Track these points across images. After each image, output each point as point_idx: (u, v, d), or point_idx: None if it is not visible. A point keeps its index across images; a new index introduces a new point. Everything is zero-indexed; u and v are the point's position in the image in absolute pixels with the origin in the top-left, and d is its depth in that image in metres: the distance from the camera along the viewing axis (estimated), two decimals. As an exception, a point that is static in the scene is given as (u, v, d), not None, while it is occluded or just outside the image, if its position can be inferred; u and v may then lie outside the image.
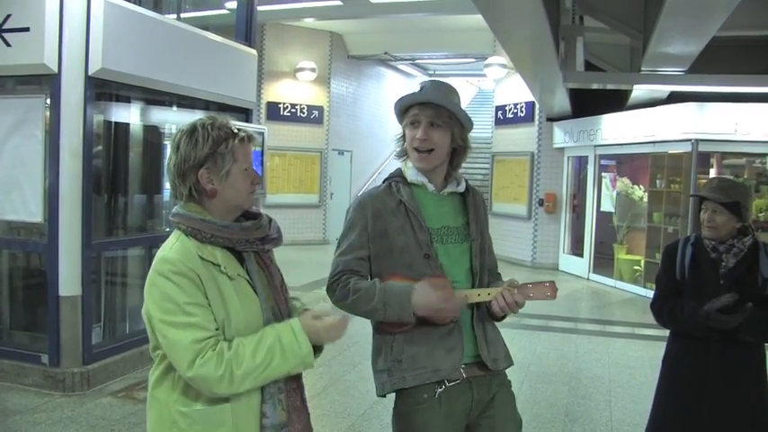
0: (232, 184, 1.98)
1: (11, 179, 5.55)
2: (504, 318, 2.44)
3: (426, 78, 19.78)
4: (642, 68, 7.89)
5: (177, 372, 1.91)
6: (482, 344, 2.43)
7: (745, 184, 9.92)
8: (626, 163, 12.33)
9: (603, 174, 12.32)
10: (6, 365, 5.56)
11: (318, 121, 16.18)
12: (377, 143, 18.25)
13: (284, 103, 15.71)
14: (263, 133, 6.85)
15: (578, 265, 12.69)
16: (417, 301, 2.29)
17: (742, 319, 2.97)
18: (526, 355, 6.93)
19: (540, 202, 13.46)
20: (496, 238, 14.87)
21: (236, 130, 2.00)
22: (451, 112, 2.44)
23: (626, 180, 11.83)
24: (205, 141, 1.94)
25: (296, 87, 15.89)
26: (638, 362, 6.92)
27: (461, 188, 2.55)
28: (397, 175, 2.54)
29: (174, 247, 1.95)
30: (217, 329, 1.90)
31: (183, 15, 7.56)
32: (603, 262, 12.28)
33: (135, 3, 6.13)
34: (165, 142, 7.26)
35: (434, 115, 2.42)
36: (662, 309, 3.32)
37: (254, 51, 7.73)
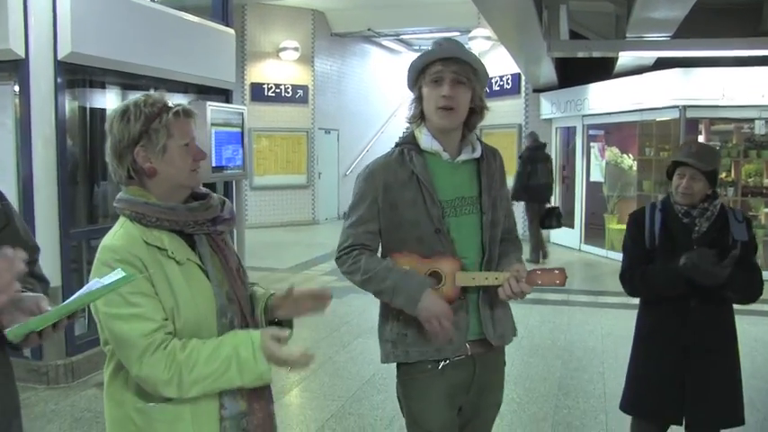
0: (170, 161, 1.88)
1: (-18, 167, 5.42)
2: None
3: (405, 51, 19.47)
4: (627, 35, 7.77)
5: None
6: (487, 323, 2.40)
7: (734, 149, 9.92)
8: (614, 132, 12.24)
9: (592, 144, 12.24)
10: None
11: (303, 100, 16.02)
12: (363, 121, 18.09)
13: (268, 84, 15.54)
14: (242, 114, 6.68)
15: (570, 237, 12.62)
16: (426, 302, 2.27)
17: (730, 268, 2.87)
18: (519, 329, 6.80)
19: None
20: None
21: (170, 105, 1.90)
22: (475, 69, 2.34)
23: (615, 149, 11.75)
24: (137, 118, 1.86)
25: (279, 67, 15.70)
26: (630, 332, 6.58)
27: (477, 154, 2.42)
28: (410, 142, 2.43)
29: (117, 233, 1.87)
30: (165, 320, 1.80)
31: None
32: (595, 232, 12.23)
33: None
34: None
35: (460, 71, 2.29)
36: (632, 276, 3.21)
37: (231, 31, 7.57)
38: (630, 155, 11.45)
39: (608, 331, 6.94)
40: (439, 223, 2.32)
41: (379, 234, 2.42)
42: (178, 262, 1.85)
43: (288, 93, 15.78)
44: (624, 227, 10.64)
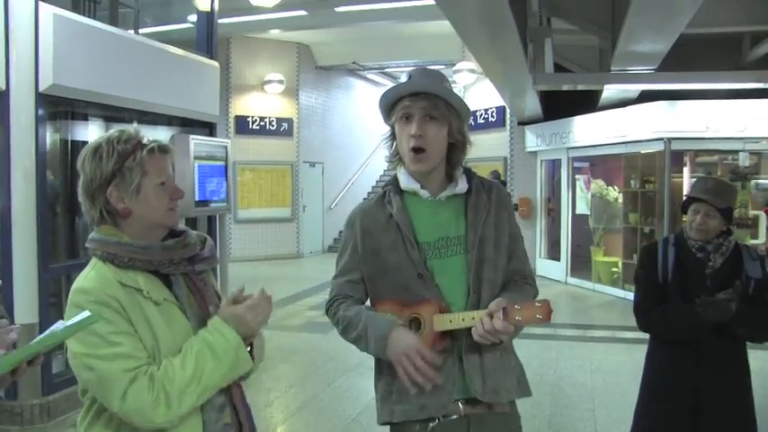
0: (145, 201, 1.80)
1: (-39, 204, 5.29)
2: (498, 344, 2.04)
3: (389, 83, 19.62)
4: (612, 68, 7.79)
5: (109, 411, 1.71)
6: (474, 376, 2.08)
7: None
8: (599, 164, 12.25)
9: (577, 176, 12.25)
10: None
11: (288, 133, 15.99)
12: (348, 154, 18.06)
13: (253, 117, 15.52)
14: (225, 147, 6.61)
15: (556, 270, 12.58)
16: (392, 343, 2.01)
17: (736, 302, 2.84)
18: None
19: (515, 207, 13.28)
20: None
21: (144, 142, 1.82)
22: (448, 103, 2.12)
23: (600, 182, 11.77)
24: (110, 157, 1.78)
25: (264, 100, 15.70)
26: (620, 366, 6.77)
27: (461, 189, 2.20)
28: (392, 183, 2.26)
29: (88, 275, 1.77)
30: (149, 357, 1.71)
31: (146, 30, 7.37)
32: (581, 265, 12.18)
33: (89, 17, 5.92)
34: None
35: (430, 106, 2.09)
36: (650, 314, 3.14)
37: (216, 64, 7.52)
38: (616, 187, 11.47)
39: (597, 366, 6.84)
40: (420, 267, 2.11)
41: (363, 282, 2.24)
42: (155, 302, 1.76)
43: (272, 126, 15.75)
44: (611, 259, 10.66)
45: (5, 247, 5.11)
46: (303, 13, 12.29)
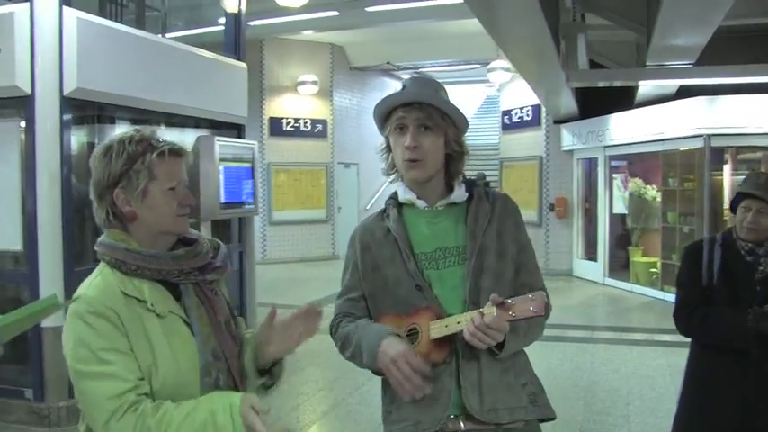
0: (151, 206, 1.73)
1: (-11, 207, 5.34)
2: (499, 351, 1.91)
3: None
4: (647, 63, 7.57)
5: None
6: (470, 392, 1.94)
7: None
8: (637, 163, 11.97)
9: (614, 175, 11.99)
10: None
11: (322, 134, 15.96)
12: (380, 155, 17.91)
13: (287, 118, 15.51)
14: (252, 148, 6.56)
15: (593, 270, 12.33)
16: (381, 351, 1.92)
17: None
18: (539, 369, 6.45)
19: (551, 207, 13.13)
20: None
21: (156, 144, 1.73)
22: (443, 112, 2.04)
23: (638, 180, 11.48)
24: (119, 157, 1.71)
25: (298, 101, 15.68)
26: (657, 371, 6.55)
27: (459, 197, 2.11)
28: (392, 197, 2.18)
29: (93, 282, 1.70)
30: (141, 379, 1.63)
31: (177, 34, 7.40)
32: (619, 265, 11.93)
33: (116, 21, 5.93)
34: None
35: (424, 117, 2.02)
36: (692, 317, 2.94)
37: (243, 65, 7.50)
38: (654, 186, 11.17)
39: (633, 370, 6.63)
40: (418, 279, 2.01)
41: (364, 300, 2.15)
42: (159, 315, 1.69)
43: (307, 127, 15.74)
44: (649, 259, 10.40)
45: (32, 250, 5.14)
46: (335, 13, 12.25)
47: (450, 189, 2.13)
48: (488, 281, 2.01)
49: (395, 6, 11.86)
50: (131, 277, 1.69)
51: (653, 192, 11.18)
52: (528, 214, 13.62)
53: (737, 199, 2.91)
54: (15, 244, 5.24)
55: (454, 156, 2.11)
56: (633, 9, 7.25)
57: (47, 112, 5.12)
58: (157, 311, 1.68)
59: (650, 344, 7.71)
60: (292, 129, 15.59)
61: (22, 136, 5.24)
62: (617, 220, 11.98)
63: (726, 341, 2.82)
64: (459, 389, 1.95)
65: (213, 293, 1.83)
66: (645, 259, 11.24)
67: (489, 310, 1.82)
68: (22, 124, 5.24)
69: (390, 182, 2.21)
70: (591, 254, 12.67)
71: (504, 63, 13.39)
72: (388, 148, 2.13)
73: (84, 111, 5.74)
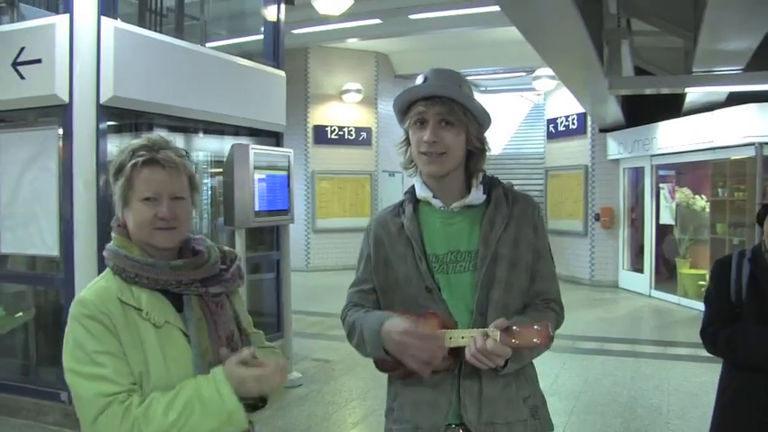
0: (130, 215, 1.74)
1: (29, 213, 5.46)
2: (501, 369, 1.86)
3: (480, 96, 19.47)
4: (694, 69, 7.35)
5: None
6: (469, 405, 1.93)
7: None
8: (685, 172, 11.64)
9: (661, 184, 11.69)
10: (27, 403, 5.39)
11: (367, 142, 15.97)
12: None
13: (331, 126, 15.56)
14: (288, 156, 6.54)
15: (639, 282, 12.04)
16: (385, 335, 1.88)
17: None
18: (577, 383, 6.44)
19: (597, 217, 12.88)
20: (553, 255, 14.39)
21: (140, 153, 1.72)
22: (465, 107, 1.98)
23: (686, 190, 11.16)
24: (114, 166, 1.75)
25: (342, 110, 15.73)
26: (701, 388, 6.29)
27: (476, 199, 2.04)
28: (409, 191, 2.13)
29: (94, 286, 1.72)
30: (134, 384, 1.62)
31: (221, 43, 7.46)
32: (666, 277, 11.60)
33: (155, 30, 6.00)
34: (194, 170, 7.10)
35: (445, 112, 1.95)
36: (716, 336, 2.83)
37: (282, 73, 7.51)
38: (703, 196, 10.85)
39: (676, 387, 6.40)
40: (428, 281, 1.97)
41: (375, 293, 2.12)
42: (155, 324, 1.68)
43: (351, 135, 15.77)
44: (698, 271, 10.08)
45: (68, 255, 5.22)
46: (377, 21, 12.25)
47: (468, 188, 2.07)
48: (498, 293, 1.96)
49: (438, 14, 11.79)
50: (131, 285, 1.70)
51: (701, 202, 10.86)
52: (573, 224, 13.42)
53: (764, 212, 2.77)
54: (53, 249, 5.32)
55: (475, 152, 2.05)
56: (679, 13, 7.05)
57: (84, 120, 5.21)
58: (153, 321, 1.68)
59: (695, 359, 7.44)
60: (336, 137, 15.64)
61: (61, 143, 5.31)
62: (664, 231, 11.66)
63: (751, 360, 2.69)
64: (459, 399, 1.94)
65: (218, 307, 1.80)
66: (693, 271, 10.90)
67: (494, 333, 1.80)
68: (61, 132, 5.32)
69: (408, 176, 2.14)
70: (637, 265, 12.38)
71: (550, 70, 13.20)
72: (407, 142, 2.07)
73: (123, 118, 5.83)
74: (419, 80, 2.03)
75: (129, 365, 1.63)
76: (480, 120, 2.03)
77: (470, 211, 2.05)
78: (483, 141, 2.05)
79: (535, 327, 1.78)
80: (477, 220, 2.03)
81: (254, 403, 1.72)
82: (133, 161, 1.71)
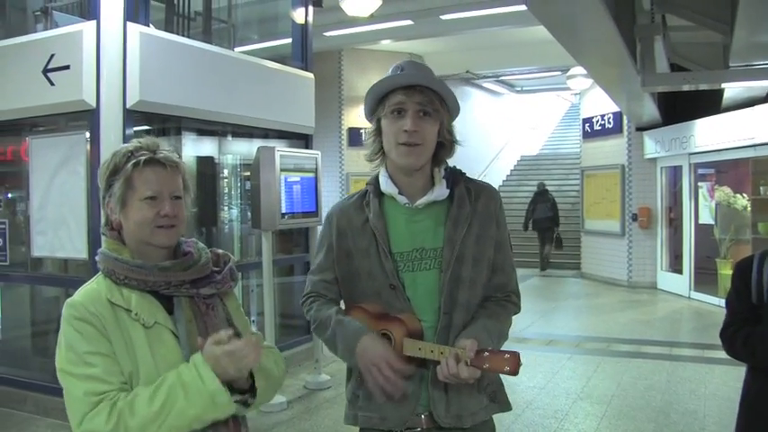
0: (129, 216, 1.74)
1: (59, 216, 5.53)
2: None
3: (506, 92, 19.31)
4: (731, 64, 7.15)
5: None
6: (438, 401, 1.99)
7: None
8: (725, 170, 11.36)
9: (700, 183, 11.42)
10: (59, 403, 5.43)
11: (402, 144, 15.88)
12: (465, 164, 17.53)
13: (366, 129, 15.36)
14: (316, 158, 6.53)
15: (678, 283, 11.78)
16: (359, 351, 1.93)
17: None
18: (610, 386, 6.29)
19: (634, 217, 12.65)
20: (589, 257, 14.00)
21: (138, 154, 1.74)
22: (442, 98, 2.01)
23: (726, 189, 10.87)
24: (108, 168, 1.76)
25: (377, 112, 15.67)
26: (740, 394, 6.10)
27: (440, 195, 2.05)
28: (372, 183, 2.13)
29: (85, 289, 1.74)
30: (124, 383, 1.64)
31: (252, 47, 7.49)
32: (706, 278, 11.29)
33: (183, 35, 6.04)
34: (223, 173, 7.16)
35: (425, 101, 1.97)
36: (734, 337, 2.73)
37: (310, 75, 7.52)
38: (744, 194, 10.55)
39: (713, 392, 6.22)
40: (393, 278, 1.99)
41: (337, 283, 2.14)
42: (144, 325, 1.69)
43: (385, 137, 15.71)
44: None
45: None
46: (409, 22, 12.18)
47: (432, 180, 2.08)
48: (464, 293, 2.01)
49: (470, 14, 11.67)
50: (121, 286, 1.72)
51: (743, 201, 10.56)
52: (610, 225, 13.21)
53: None
54: (81, 252, 5.38)
55: (445, 144, 2.08)
56: (715, 7, 6.88)
57: (111, 125, 5.27)
58: (143, 321, 1.69)
59: (735, 363, 7.15)
60: (371, 139, 15.59)
61: (89, 148, 5.37)
62: (703, 231, 11.38)
63: (765, 362, 2.58)
64: (428, 393, 1.99)
65: (209, 308, 1.81)
66: (734, 272, 10.62)
67: (463, 354, 1.83)
68: (88, 135, 5.38)
69: (373, 168, 2.15)
70: (676, 266, 12.12)
71: (583, 69, 13.02)
72: (378, 132, 2.07)
73: (150, 122, 5.88)
74: (394, 71, 2.04)
75: (119, 365, 1.64)
76: (452, 111, 2.06)
77: (434, 207, 2.06)
78: (452, 133, 2.09)
79: (506, 355, 1.81)
80: (441, 217, 2.05)
81: (244, 400, 1.72)
82: (134, 161, 1.72)
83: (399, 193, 2.05)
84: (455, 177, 2.11)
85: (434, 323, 1.99)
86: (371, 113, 2.09)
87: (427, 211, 2.06)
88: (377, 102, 2.05)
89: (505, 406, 2.12)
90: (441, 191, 2.06)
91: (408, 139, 1.97)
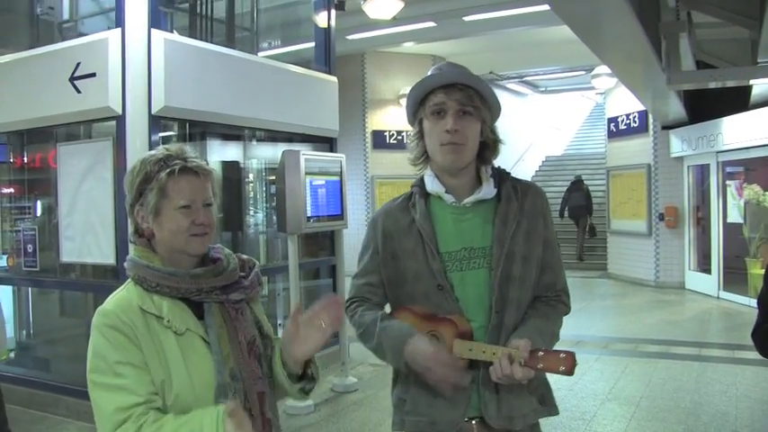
0: (163, 224, 1.74)
1: (86, 222, 5.59)
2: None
3: (530, 92, 19.28)
4: (759, 60, 7.05)
5: None
6: (488, 400, 1.96)
7: None
8: (754, 168, 11.18)
9: (728, 182, 11.26)
10: (87, 406, 5.50)
11: (426, 146, 15.85)
12: (489, 165, 17.70)
13: (390, 131, 15.53)
14: (340, 162, 6.54)
15: (706, 283, 11.63)
16: (409, 353, 1.93)
17: None
18: (638, 387, 6.24)
19: (661, 217, 12.51)
20: (616, 257, 13.83)
21: (170, 162, 1.73)
22: (482, 96, 1.99)
23: (755, 187, 10.70)
24: (137, 176, 1.75)
25: (401, 114, 15.64)
26: (772, 394, 6.04)
27: (487, 194, 2.04)
28: (417, 184, 2.13)
29: (116, 296, 1.74)
30: (155, 394, 1.63)
31: (273, 52, 7.53)
32: (735, 278, 11.12)
33: (207, 41, 6.09)
34: (248, 177, 7.20)
35: (465, 100, 1.96)
36: (766, 337, 2.70)
37: (334, 79, 7.54)
38: (774, 193, 10.40)
39: (744, 393, 6.13)
40: (441, 278, 1.97)
41: (383, 287, 2.13)
42: (176, 332, 1.70)
43: (410, 140, 15.66)
44: None
45: (123, 264, 5.31)
46: (431, 24, 12.18)
47: (479, 180, 2.07)
48: (515, 290, 1.99)
49: (493, 15, 11.65)
50: (152, 294, 1.71)
51: (773, 199, 10.42)
52: (636, 224, 13.09)
53: None
54: (109, 258, 5.44)
55: (488, 143, 2.07)
56: (742, 2, 6.79)
57: (137, 131, 5.33)
58: (174, 329, 1.69)
59: (767, 364, 7.15)
60: (395, 141, 15.58)
61: (116, 154, 5.43)
62: (732, 230, 11.21)
63: None
64: (479, 394, 1.97)
65: (238, 313, 1.81)
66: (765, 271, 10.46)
67: (517, 355, 1.83)
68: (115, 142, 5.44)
69: (417, 171, 2.15)
70: (704, 265, 11.97)
71: (608, 68, 12.93)
72: (420, 135, 2.07)
73: (175, 128, 5.94)
74: (433, 71, 2.04)
75: (150, 375, 1.64)
76: (493, 110, 2.05)
77: (481, 206, 2.05)
78: (495, 132, 2.08)
79: (561, 355, 1.82)
80: (489, 215, 2.04)
81: (302, 387, 1.82)
82: (168, 170, 1.72)
83: (446, 192, 2.04)
84: (501, 176, 2.10)
85: (484, 322, 1.98)
86: (413, 116, 2.09)
87: (475, 209, 2.04)
88: (417, 104, 2.06)
89: (553, 409, 2.12)
90: (488, 189, 2.04)
91: (451, 139, 1.96)
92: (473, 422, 1.99)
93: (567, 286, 2.16)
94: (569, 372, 1.80)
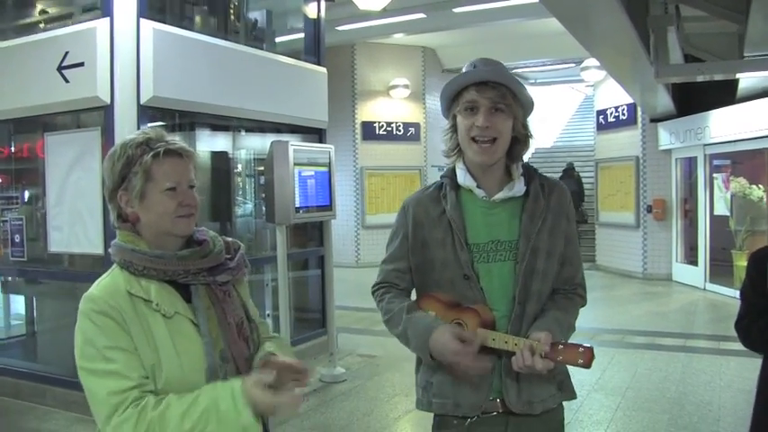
0: (150, 207, 1.74)
1: (74, 212, 5.58)
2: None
3: (530, 88, 19.59)
4: (745, 54, 7.10)
5: None
6: (509, 387, 2.06)
7: None
8: (740, 161, 11.26)
9: (715, 175, 11.34)
10: (79, 396, 5.51)
11: (415, 138, 15.91)
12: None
13: (379, 122, 15.54)
14: (329, 152, 6.55)
15: (693, 275, 11.73)
16: (433, 346, 1.99)
17: None
18: (624, 378, 6.30)
19: (649, 209, 12.59)
20: (604, 249, 13.93)
21: (153, 145, 1.73)
22: (514, 93, 2.05)
23: (741, 180, 10.79)
24: (119, 160, 1.74)
25: (390, 105, 15.70)
26: (755, 385, 6.09)
27: (518, 191, 2.12)
28: (449, 176, 2.18)
29: (102, 282, 1.73)
30: (146, 378, 1.63)
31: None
32: (722, 270, 11.23)
33: (199, 31, 6.06)
34: (236, 168, 7.20)
35: (497, 97, 2.01)
36: (750, 328, 2.75)
37: (323, 70, 7.54)
38: (760, 186, 10.48)
39: (728, 383, 6.20)
40: (468, 269, 2.05)
41: (410, 272, 2.20)
42: (164, 315, 1.69)
43: (399, 131, 15.72)
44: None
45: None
46: (421, 15, 12.18)
47: (508, 175, 2.15)
48: (537, 283, 2.08)
49: (482, 6, 11.68)
50: (139, 278, 1.71)
51: (758, 192, 10.50)
52: (624, 217, 13.17)
53: None
54: (97, 247, 5.43)
55: (520, 139, 2.12)
56: (729, -2, 6.83)
57: (125, 121, 5.31)
58: (163, 312, 1.69)
59: (751, 355, 7.09)
60: (385, 133, 15.60)
61: (103, 143, 5.42)
62: (719, 223, 11.30)
63: None
64: (501, 380, 2.06)
65: (226, 295, 1.82)
66: (750, 263, 10.55)
67: (538, 347, 1.91)
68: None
69: (448, 163, 2.21)
70: (691, 257, 12.07)
71: (597, 61, 12.97)
72: (454, 129, 2.13)
73: (164, 118, 5.92)
74: (467, 67, 2.09)
75: (140, 359, 1.64)
76: (526, 106, 2.11)
77: (510, 201, 2.12)
78: (527, 128, 2.14)
79: (580, 349, 1.91)
80: (517, 210, 2.11)
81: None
82: (152, 152, 1.72)
83: (477, 187, 2.11)
84: (529, 173, 2.17)
85: (507, 312, 2.06)
86: (447, 110, 2.14)
87: (503, 204, 2.12)
88: (451, 100, 2.11)
89: (571, 394, 2.20)
90: (519, 187, 2.12)
91: (482, 135, 2.02)
92: (497, 401, 2.08)
93: (584, 280, 2.26)
94: (587, 365, 1.90)
